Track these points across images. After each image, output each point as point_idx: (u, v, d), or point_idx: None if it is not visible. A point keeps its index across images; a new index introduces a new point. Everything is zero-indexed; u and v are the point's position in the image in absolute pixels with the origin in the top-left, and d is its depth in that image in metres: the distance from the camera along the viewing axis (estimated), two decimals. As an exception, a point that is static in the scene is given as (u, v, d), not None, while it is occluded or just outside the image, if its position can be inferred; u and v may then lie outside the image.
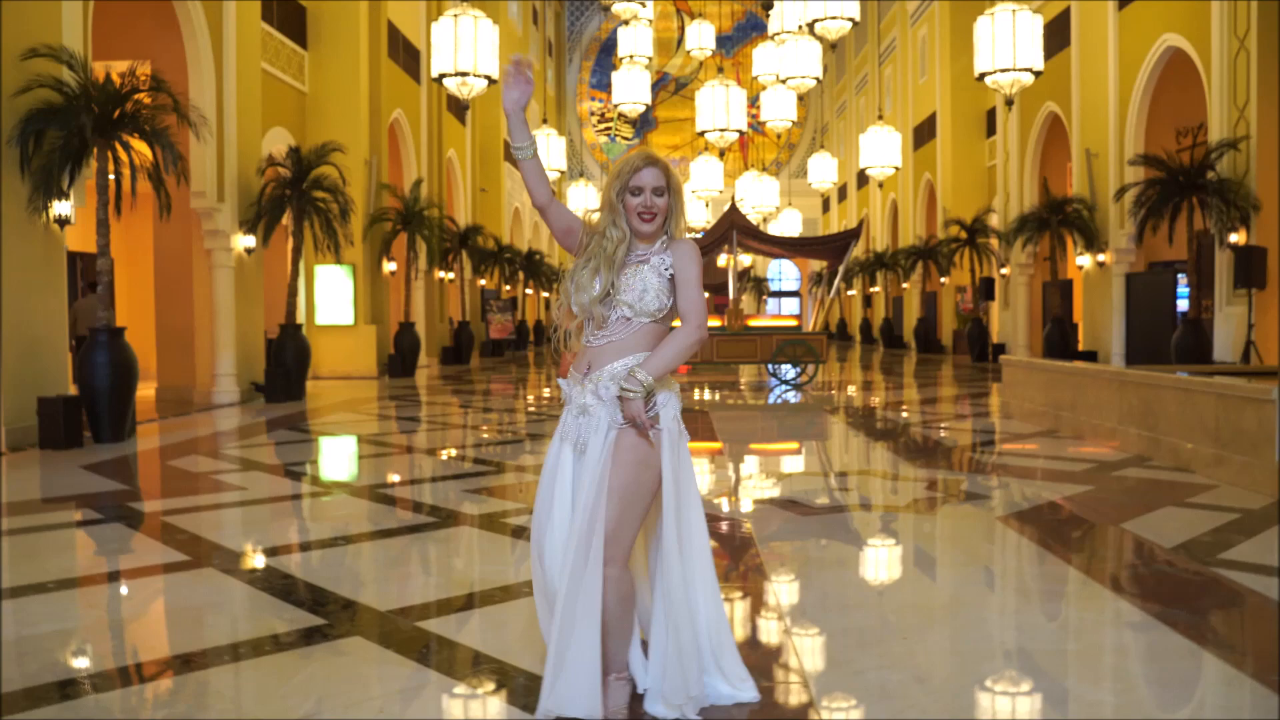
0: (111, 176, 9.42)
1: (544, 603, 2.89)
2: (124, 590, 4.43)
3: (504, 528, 5.51)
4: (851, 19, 18.34)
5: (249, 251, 13.88)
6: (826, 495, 6.66)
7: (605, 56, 48.74)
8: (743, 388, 16.89)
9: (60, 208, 9.48)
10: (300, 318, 16.98)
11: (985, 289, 23.80)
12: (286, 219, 14.18)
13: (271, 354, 14.24)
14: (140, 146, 9.95)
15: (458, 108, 25.53)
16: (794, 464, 8.68)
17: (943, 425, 10.84)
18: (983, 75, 14.79)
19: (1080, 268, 18.96)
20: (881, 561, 4.97)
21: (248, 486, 6.89)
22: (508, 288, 31.09)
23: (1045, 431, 9.65)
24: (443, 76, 14.87)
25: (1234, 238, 13.56)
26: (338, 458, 9.14)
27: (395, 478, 7.57)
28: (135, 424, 9.71)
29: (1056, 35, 19.24)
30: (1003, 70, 14.52)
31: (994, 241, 23.35)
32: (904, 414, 12.04)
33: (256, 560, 4.72)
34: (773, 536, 5.34)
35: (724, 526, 5.54)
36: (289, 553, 4.94)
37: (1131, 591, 4.20)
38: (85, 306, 14.38)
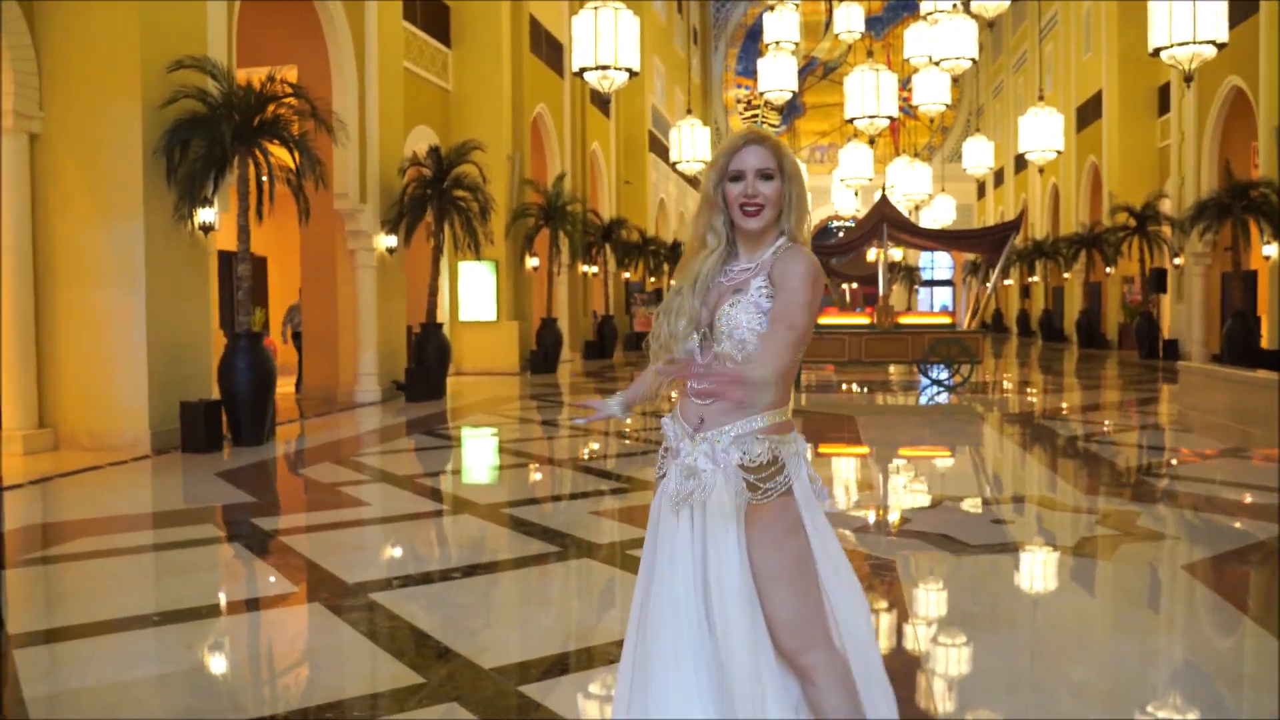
0: (263, 180, 9.49)
1: (628, 680, 2.34)
2: (219, 631, 4.26)
3: (628, 561, 5.17)
4: (1011, -4, 17.29)
5: (391, 251, 13.97)
6: (981, 529, 6.06)
7: (751, 43, 47.93)
8: (893, 385, 16.17)
9: (205, 214, 9.61)
10: (443, 315, 17.12)
11: (1156, 280, 22.25)
12: (428, 218, 14.22)
13: (413, 352, 14.32)
14: (280, 152, 10.02)
15: (601, 100, 25.41)
16: (945, 485, 8.06)
17: (1111, 439, 9.98)
18: (1158, 50, 13.64)
19: (1267, 258, 17.42)
20: (1039, 623, 4.39)
21: (373, 502, 6.75)
22: (653, 280, 30.86)
23: (1231, 450, 8.73)
24: (583, 70, 14.64)
25: None
26: (469, 469, 8.99)
27: (523, 495, 7.33)
28: (274, 426, 9.79)
29: (1242, 2, 17.67)
30: (1181, 44, 13.33)
31: (1166, 229, 21.79)
32: (1066, 423, 11.17)
33: (364, 596, 4.49)
34: (921, 583, 4.83)
35: (865, 567, 5.05)
36: (401, 586, 4.71)
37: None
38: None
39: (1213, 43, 13.26)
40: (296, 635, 4.18)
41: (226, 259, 12.81)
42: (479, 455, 9.91)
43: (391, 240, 13.92)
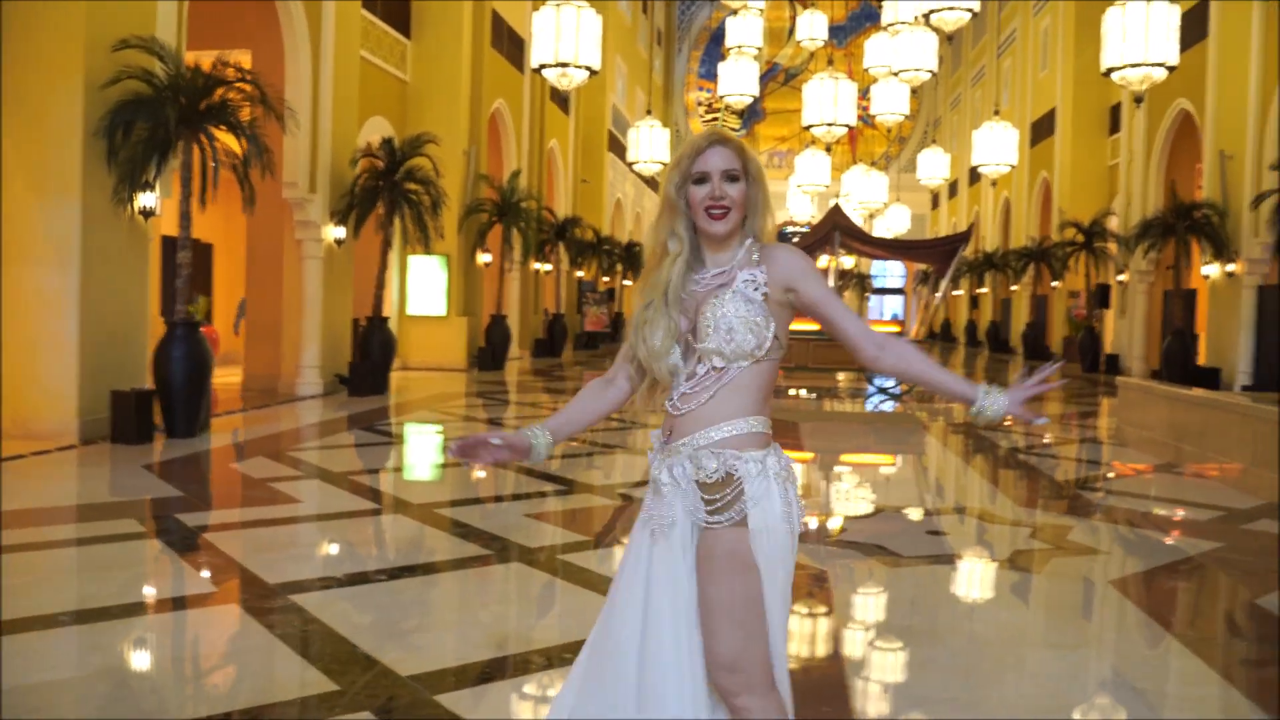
0: (209, 166, 9.29)
1: (571, 691, 2.22)
2: (131, 632, 4.13)
3: (563, 567, 5.10)
4: (970, 9, 17.44)
5: (339, 242, 13.77)
6: (917, 540, 6.06)
7: (715, 46, 47.98)
8: (840, 391, 16.24)
9: (146, 199, 9.38)
10: (391, 309, 16.93)
11: (1100, 295, 22.60)
12: (379, 210, 14.03)
13: (357, 346, 14.13)
14: (227, 138, 9.83)
15: (561, 98, 25.30)
16: (885, 494, 8.08)
17: (1049, 452, 10.08)
18: (1110, 70, 13.85)
19: (1206, 278, 17.73)
20: (970, 636, 4.39)
21: (306, 499, 6.62)
22: (606, 279, 30.80)
23: (1165, 465, 8.85)
24: (543, 67, 14.56)
25: (1386, 253, 12.40)
26: (408, 467, 8.86)
27: (461, 495, 7.24)
28: (210, 418, 9.59)
29: (1192, 27, 17.95)
30: (1133, 65, 13.55)
31: (1113, 246, 22.12)
32: (1007, 434, 11.27)
33: (288, 598, 4.38)
34: (854, 595, 4.82)
35: (800, 577, 5.03)
36: (327, 588, 4.60)
37: (1276, 706, 3.56)
38: None
39: (1163, 65, 13.48)
40: (213, 639, 4.07)
41: (170, 245, 12.55)
42: (418, 453, 9.79)
43: (340, 231, 13.72)
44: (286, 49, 12.72)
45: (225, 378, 15.07)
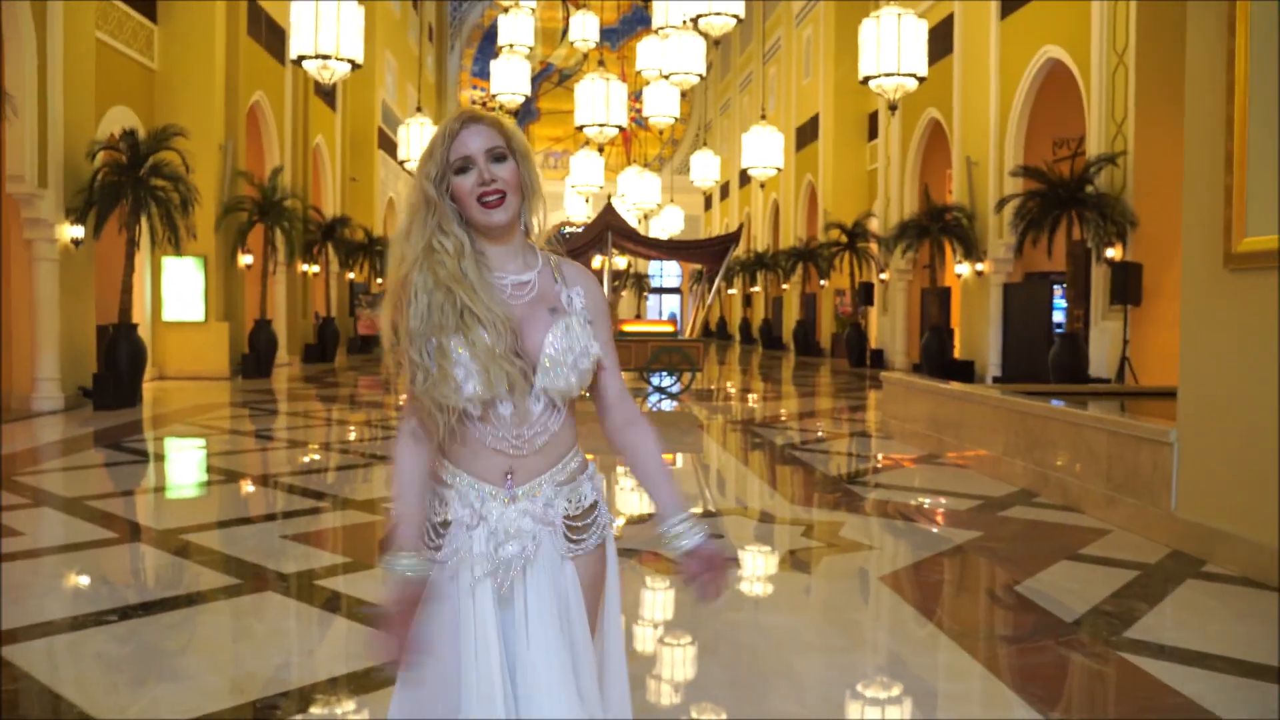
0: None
1: None
2: None
3: (317, 594, 4.71)
4: (736, 16, 17.78)
5: (77, 243, 12.58)
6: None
7: (488, 44, 47.42)
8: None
9: None
10: (143, 315, 15.70)
11: (864, 293, 23.68)
12: (123, 208, 12.91)
13: (103, 356, 12.98)
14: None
15: (326, 92, 24.24)
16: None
17: (821, 447, 10.36)
18: (866, 79, 14.42)
19: (959, 276, 18.88)
20: (738, 648, 4.32)
21: (28, 531, 5.89)
22: (380, 281, 29.79)
23: (927, 456, 9.23)
24: (302, 59, 13.79)
25: (1111, 253, 13.49)
26: (153, 489, 8.12)
27: (210, 518, 6.65)
28: (-79, 442, 8.51)
29: (940, 42, 19.06)
30: (886, 75, 14.17)
31: (874, 246, 23.22)
32: (781, 431, 11.54)
33: (-8, 650, 3.81)
34: (627, 605, 4.67)
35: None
36: (42, 635, 4.04)
37: (1036, 694, 3.64)
38: None
39: (914, 75, 14.16)
40: (-105, 704, 3.48)
41: None
42: (167, 472, 9.02)
43: (78, 231, 12.54)
44: (5, 27, 11.47)
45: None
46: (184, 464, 9.38)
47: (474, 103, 49.35)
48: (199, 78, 16.92)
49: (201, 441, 10.18)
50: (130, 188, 12.58)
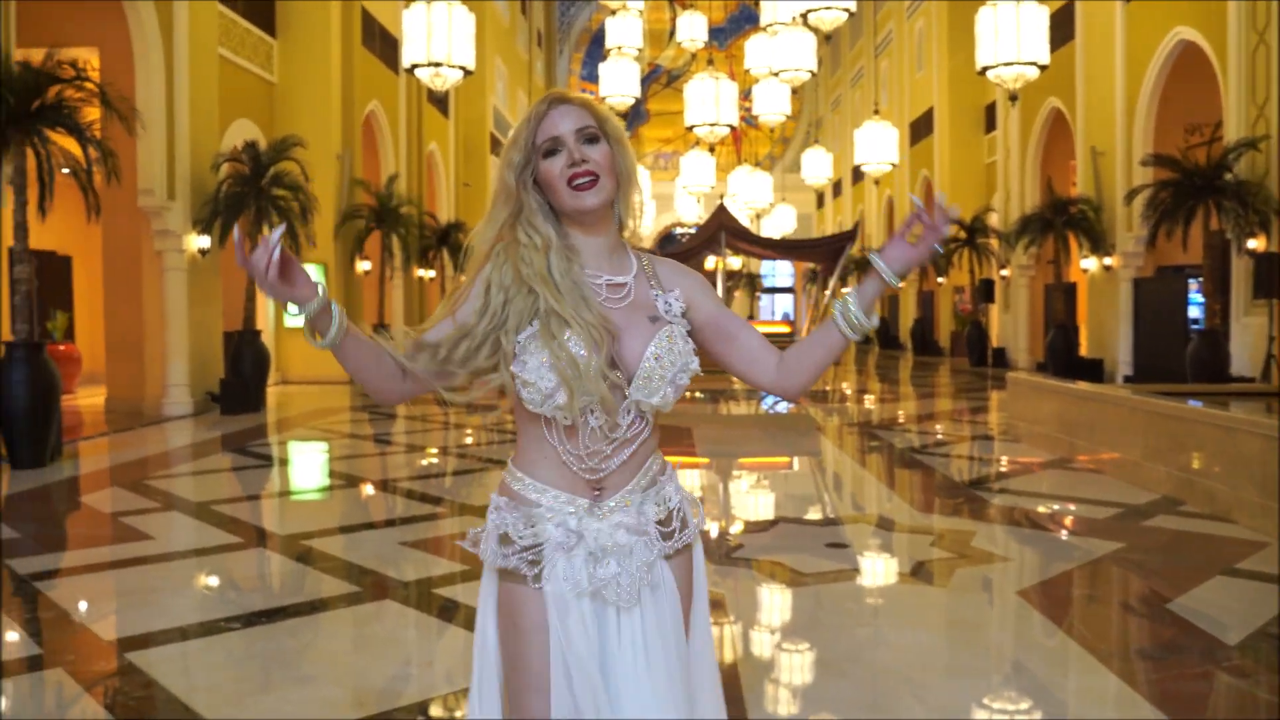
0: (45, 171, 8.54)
1: None
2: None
3: (434, 602, 4.67)
4: (847, 9, 17.47)
5: (203, 253, 12.99)
6: (816, 554, 5.79)
7: (596, 48, 47.62)
8: (735, 393, 16.05)
9: (-26, 209, 8.61)
10: (267, 322, 16.14)
11: (985, 290, 22.96)
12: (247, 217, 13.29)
13: (229, 362, 13.37)
14: (68, 142, 9.09)
15: (439, 100, 24.63)
16: (781, 504, 7.82)
17: (945, 451, 9.99)
18: (984, 69, 13.97)
19: (1085, 271, 18.12)
20: (870, 670, 4.11)
21: (158, 535, 6.02)
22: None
23: (1058, 461, 8.81)
24: (415, 67, 14.01)
25: (1252, 243, 12.73)
26: (275, 493, 8.26)
27: (330, 524, 6.72)
28: (60, 446, 8.82)
29: (1060, 28, 18.35)
30: (1005, 64, 13.69)
31: (994, 242, 22.51)
32: (901, 433, 11.20)
33: (117, 659, 3.85)
34: (754, 620, 4.51)
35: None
36: (167, 642, 4.08)
37: None
38: None
39: (1035, 64, 13.65)
40: (29, 712, 3.53)
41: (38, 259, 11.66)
42: (290, 476, 9.19)
43: (205, 241, 12.95)
44: (135, 48, 11.91)
45: (89, 398, 14.17)
46: (306, 468, 9.55)
47: (583, 106, 49.64)
48: (316, 89, 17.33)
49: (323, 446, 10.36)
50: (253, 198, 12.91)
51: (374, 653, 4.06)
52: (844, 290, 1.84)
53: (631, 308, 1.72)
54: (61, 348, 15.26)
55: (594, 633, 1.68)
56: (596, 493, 1.71)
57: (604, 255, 1.76)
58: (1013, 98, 14.61)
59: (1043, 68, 13.78)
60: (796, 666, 4.01)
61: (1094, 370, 16.47)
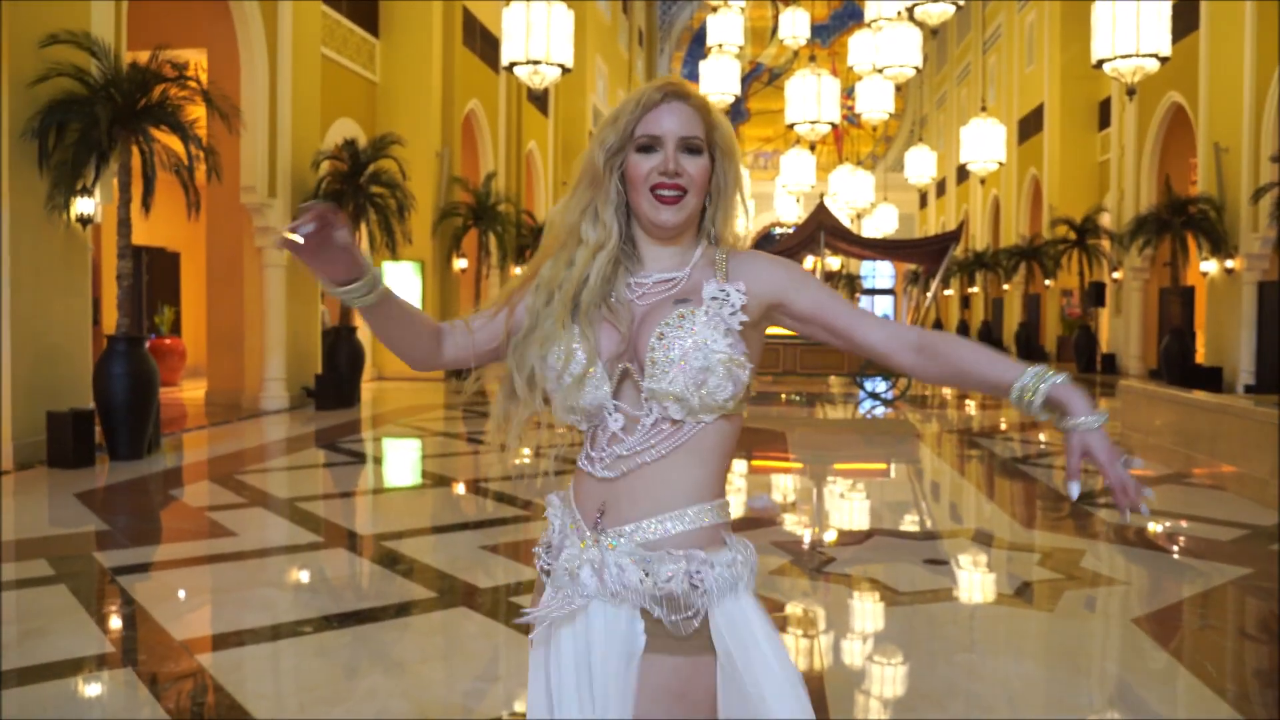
0: (150, 169, 8.68)
1: None
2: None
3: (513, 611, 4.52)
4: (955, 3, 16.95)
5: (303, 250, 13.14)
6: (913, 571, 5.48)
7: (697, 46, 47.42)
8: (831, 397, 15.67)
9: (83, 205, 8.78)
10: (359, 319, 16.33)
11: (1095, 294, 22.09)
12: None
13: (325, 357, 13.53)
14: (172, 141, 9.23)
15: (538, 98, 24.70)
16: (877, 515, 7.50)
17: (1050, 461, 9.53)
18: (1101, 62, 13.36)
19: (1204, 274, 17.23)
20: (970, 703, 3.82)
21: (243, 532, 6.00)
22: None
23: (1175, 476, 8.30)
24: (514, 65, 14.03)
25: (1392, 247, 11.90)
26: (365, 492, 8.25)
27: (414, 524, 6.65)
28: (158, 438, 8.97)
29: (1182, 18, 17.46)
30: (1124, 56, 13.07)
31: (1106, 243, 21.64)
32: (1005, 442, 10.73)
33: (188, 660, 3.79)
34: (844, 643, 4.25)
35: (780, 618, 4.45)
36: (238, 644, 4.01)
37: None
38: None
39: (1155, 56, 13.01)
40: (94, 715, 3.47)
41: (136, 254, 11.96)
42: (380, 474, 9.19)
43: (304, 238, 13.10)
44: (241, 48, 12.12)
45: (192, 391, 14.51)
46: (396, 467, 9.55)
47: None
48: (417, 88, 17.49)
49: (414, 443, 10.37)
50: (351, 195, 13.03)
51: (447, 665, 3.92)
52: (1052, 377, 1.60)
53: (667, 296, 1.53)
54: (167, 341, 15.67)
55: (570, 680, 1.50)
56: (598, 514, 1.50)
57: (668, 259, 1.58)
58: (1130, 92, 13.94)
59: (1164, 60, 13.12)
60: (887, 694, 3.74)
61: (1212, 379, 15.65)
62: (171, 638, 4.01)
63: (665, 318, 1.49)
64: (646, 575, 1.44)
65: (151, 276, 17.53)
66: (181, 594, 4.83)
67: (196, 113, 9.51)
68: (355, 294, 1.48)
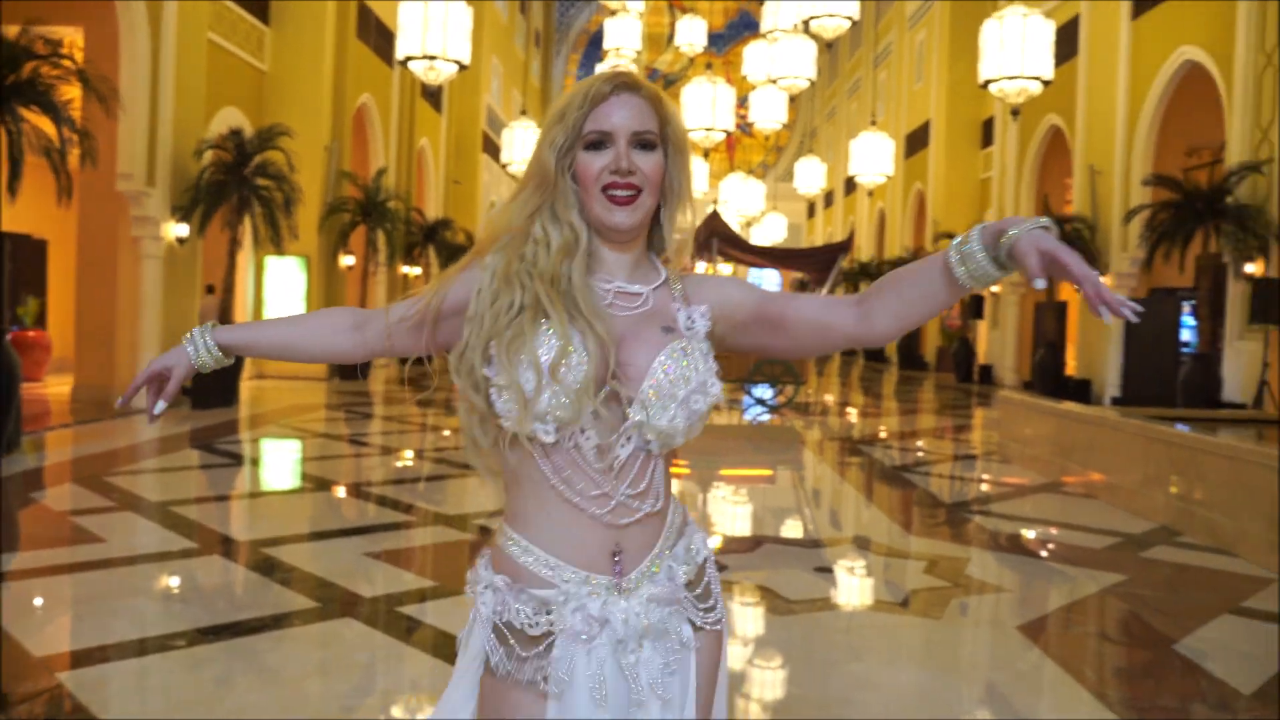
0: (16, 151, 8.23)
1: None
2: None
3: (398, 621, 4.38)
4: (850, 18, 17.26)
5: (181, 241, 12.66)
6: (803, 579, 5.51)
7: (594, 49, 47.40)
8: (720, 401, 15.75)
9: (-60, 187, 8.28)
10: (245, 313, 15.83)
11: (974, 307, 22.76)
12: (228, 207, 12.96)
13: (203, 354, 13.03)
14: (43, 122, 8.77)
15: (432, 95, 24.32)
16: (765, 522, 7.55)
17: (933, 470, 9.75)
18: (987, 82, 13.75)
19: (1077, 290, 17.88)
20: (868, 706, 3.84)
21: (110, 538, 5.70)
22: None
23: (1050, 485, 8.57)
24: (409, 59, 13.75)
25: (1250, 268, 12.55)
26: (239, 492, 7.95)
27: (292, 530, 6.42)
28: (19, 436, 8.48)
29: (1063, 44, 18.11)
30: (1009, 78, 13.48)
31: (985, 258, 22.30)
32: (887, 450, 10.95)
33: (48, 677, 3.55)
34: (744, 653, 4.23)
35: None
36: (104, 660, 3.78)
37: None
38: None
39: (1038, 78, 13.44)
40: (-58, 732, 3.23)
41: (18, 243, 11.33)
42: (258, 477, 8.87)
43: (183, 229, 12.62)
44: (121, 28, 11.59)
45: (57, 387, 13.81)
46: (275, 469, 9.25)
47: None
48: (308, 79, 17.01)
49: (295, 445, 10.06)
50: (235, 186, 12.60)
51: (327, 677, 3.77)
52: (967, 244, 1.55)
53: (645, 316, 1.46)
54: (31, 334, 14.90)
55: None
56: (617, 559, 1.40)
57: (625, 268, 1.49)
58: (1014, 112, 14.42)
59: (1046, 82, 13.57)
60: (778, 707, 3.73)
61: (1081, 391, 16.28)
62: (29, 654, 3.76)
63: (661, 348, 1.41)
64: (687, 566, 1.48)
65: (16, 265, 16.63)
66: (39, 603, 4.55)
67: (71, 94, 9.07)
68: (206, 369, 1.62)
